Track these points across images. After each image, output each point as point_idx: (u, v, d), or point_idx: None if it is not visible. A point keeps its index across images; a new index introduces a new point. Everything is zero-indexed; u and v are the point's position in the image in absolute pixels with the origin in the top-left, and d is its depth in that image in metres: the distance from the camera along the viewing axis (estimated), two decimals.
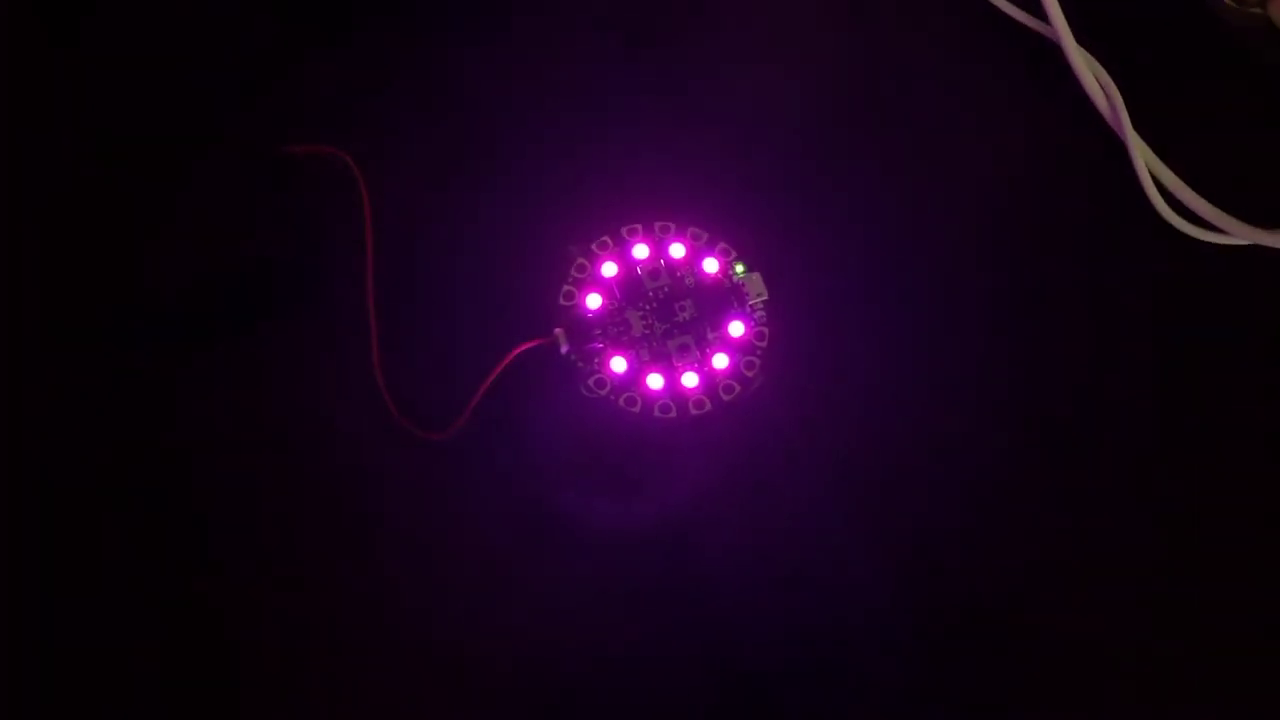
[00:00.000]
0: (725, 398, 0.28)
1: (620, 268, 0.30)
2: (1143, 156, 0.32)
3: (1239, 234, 0.31)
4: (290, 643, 0.27)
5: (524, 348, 0.28)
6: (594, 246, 0.30)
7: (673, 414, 0.28)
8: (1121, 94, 0.33)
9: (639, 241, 0.30)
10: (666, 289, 0.29)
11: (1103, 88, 0.33)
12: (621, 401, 0.28)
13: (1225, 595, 0.28)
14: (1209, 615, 0.28)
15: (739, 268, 0.30)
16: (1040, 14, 0.33)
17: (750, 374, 0.29)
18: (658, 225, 0.30)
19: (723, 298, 0.29)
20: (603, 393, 0.28)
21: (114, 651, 0.27)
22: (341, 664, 0.27)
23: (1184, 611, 0.28)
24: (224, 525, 0.28)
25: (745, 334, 0.29)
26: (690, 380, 0.28)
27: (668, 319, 0.29)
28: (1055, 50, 0.33)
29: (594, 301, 0.29)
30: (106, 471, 0.28)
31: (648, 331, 0.29)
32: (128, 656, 0.27)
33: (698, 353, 0.29)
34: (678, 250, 0.30)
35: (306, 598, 0.27)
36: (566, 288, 0.29)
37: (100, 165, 0.31)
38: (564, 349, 0.28)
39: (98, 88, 0.33)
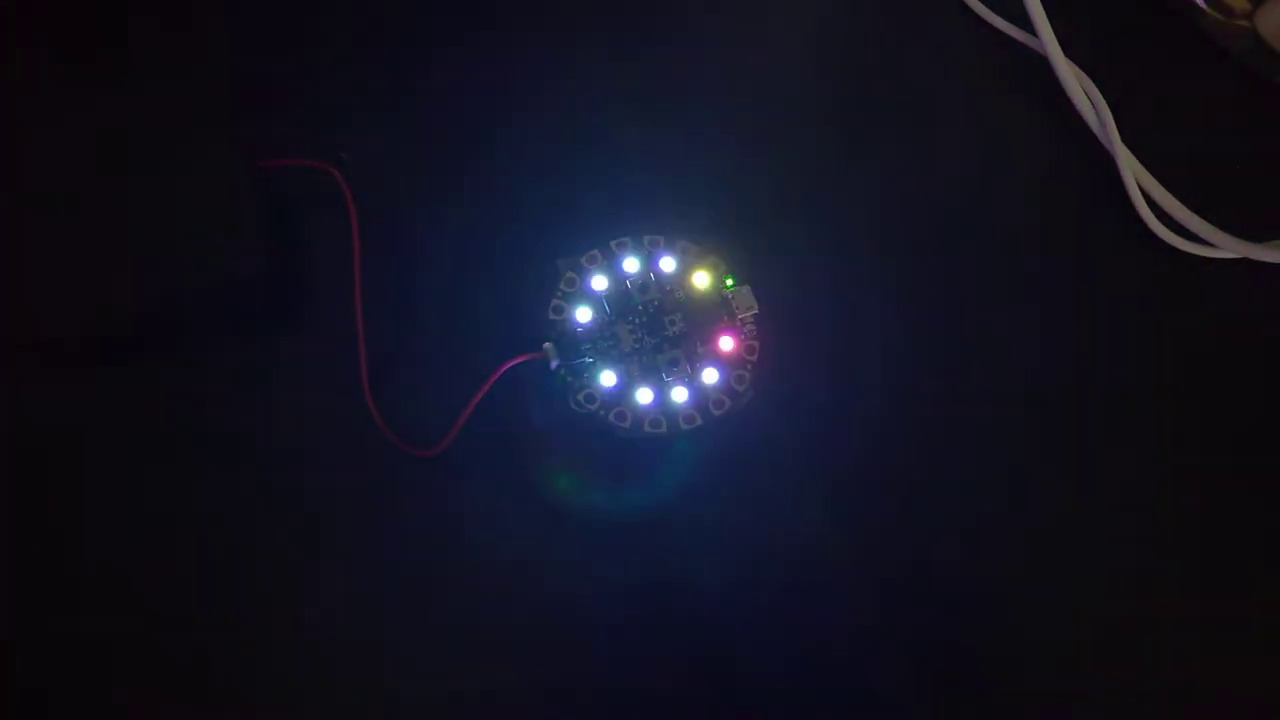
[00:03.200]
0: (716, 412, 0.28)
1: (610, 281, 0.29)
2: (1131, 169, 0.32)
3: (1227, 247, 0.31)
4: (280, 655, 0.27)
5: (513, 362, 0.28)
6: (583, 260, 0.30)
7: (663, 429, 0.28)
8: (1109, 107, 0.33)
9: (628, 255, 0.30)
10: (656, 303, 0.29)
11: (1090, 101, 0.33)
12: (611, 416, 0.28)
13: (1220, 604, 0.28)
14: (1202, 628, 0.28)
15: (729, 281, 0.30)
16: (1028, 28, 0.33)
17: (740, 388, 0.29)
18: (647, 238, 0.30)
19: (713, 311, 0.29)
20: (592, 407, 0.28)
21: (101, 662, 0.27)
22: (332, 675, 0.27)
23: (1174, 625, 0.28)
24: (213, 541, 0.28)
25: (735, 348, 0.29)
26: (680, 394, 0.28)
27: (658, 333, 0.29)
28: (1043, 64, 0.33)
29: (584, 315, 0.29)
30: (95, 486, 0.28)
31: (638, 346, 0.29)
32: (117, 666, 0.26)
33: (688, 367, 0.29)
34: (667, 264, 0.30)
35: (294, 611, 0.27)
36: (556, 302, 0.29)
37: (82, 178, 0.31)
38: (554, 363, 0.28)
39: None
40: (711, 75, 0.34)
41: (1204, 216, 0.32)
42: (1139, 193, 0.32)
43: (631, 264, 0.30)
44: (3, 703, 0.26)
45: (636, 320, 0.29)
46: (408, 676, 0.27)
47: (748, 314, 0.29)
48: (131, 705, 0.26)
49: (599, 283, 0.29)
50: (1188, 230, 0.32)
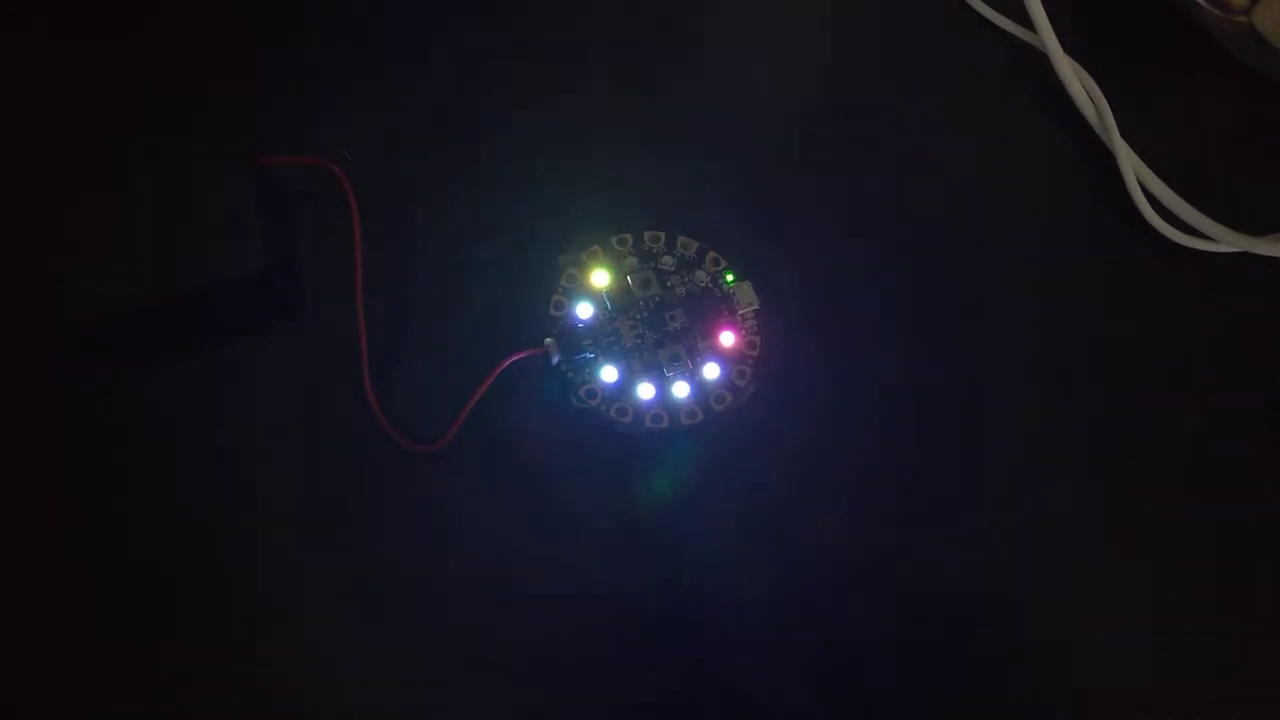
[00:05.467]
0: (717, 407, 0.28)
1: (610, 277, 0.29)
2: (1131, 165, 0.32)
3: (1228, 241, 0.31)
4: (281, 653, 0.27)
5: (515, 358, 0.28)
6: (584, 256, 0.30)
7: (664, 424, 0.28)
8: (1108, 102, 0.33)
9: (629, 251, 0.30)
10: (657, 298, 0.29)
11: (1090, 97, 0.33)
12: (613, 412, 0.28)
13: (1218, 606, 0.28)
14: (1198, 630, 0.28)
15: (729, 277, 0.30)
16: (1027, 23, 0.33)
17: (742, 383, 0.29)
18: (648, 234, 0.30)
19: (713, 307, 0.29)
20: (594, 403, 0.28)
21: (101, 661, 0.27)
22: (335, 673, 0.27)
23: (1177, 627, 0.28)
24: (214, 537, 0.28)
25: (736, 343, 0.29)
26: (681, 390, 0.28)
27: (659, 328, 0.29)
28: (1043, 59, 0.34)
29: (585, 311, 0.29)
30: (96, 485, 0.28)
31: (639, 341, 0.29)
32: (116, 664, 0.27)
33: (689, 362, 0.29)
34: (668, 260, 0.30)
35: (298, 606, 0.27)
36: (557, 297, 0.29)
37: (83, 177, 0.31)
38: (555, 359, 0.28)
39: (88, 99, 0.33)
40: (712, 72, 0.34)
41: (1204, 211, 0.32)
42: (1139, 188, 0.32)
43: (632, 260, 0.30)
44: (6, 698, 0.26)
45: (637, 316, 0.29)
46: (408, 673, 0.27)
47: (748, 309, 0.29)
48: (130, 703, 0.26)
49: (600, 278, 0.29)
50: (1188, 225, 0.32)
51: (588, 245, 0.30)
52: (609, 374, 0.28)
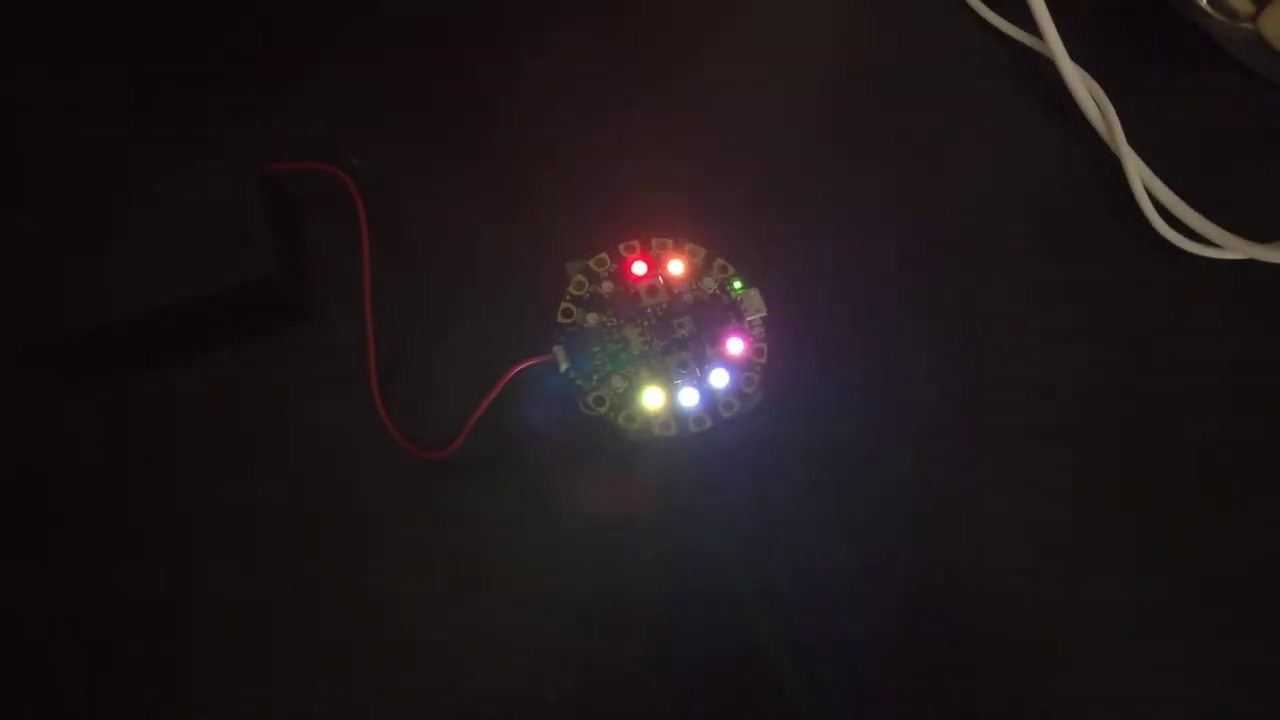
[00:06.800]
0: (725, 415, 0.28)
1: (618, 285, 0.29)
2: (1137, 172, 0.32)
3: (1234, 248, 0.31)
4: (285, 656, 0.27)
5: (523, 365, 0.28)
6: (592, 263, 0.30)
7: (672, 431, 0.28)
8: (1115, 109, 0.33)
9: (637, 258, 0.30)
10: (665, 306, 0.29)
11: (1097, 103, 0.33)
12: (620, 419, 0.28)
13: (1224, 614, 0.28)
14: (1200, 637, 0.28)
15: (737, 284, 0.30)
16: (1034, 30, 0.33)
17: (749, 390, 0.29)
18: (655, 242, 0.30)
19: (721, 314, 0.29)
20: (601, 410, 0.28)
21: (100, 666, 0.27)
22: (338, 675, 0.27)
23: (1166, 632, 0.28)
24: (220, 539, 0.28)
25: (744, 350, 0.29)
26: (689, 397, 0.28)
27: (666, 336, 0.29)
28: (1049, 66, 0.34)
29: (592, 319, 0.29)
30: (103, 488, 0.28)
31: (646, 349, 0.29)
32: (116, 670, 0.26)
33: (697, 370, 0.29)
34: (676, 267, 0.30)
35: (303, 609, 0.27)
36: (565, 305, 0.29)
37: (91, 183, 0.31)
38: (563, 366, 0.28)
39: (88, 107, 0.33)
40: (718, 78, 0.34)
41: (1210, 218, 0.32)
42: (1145, 195, 0.32)
43: (640, 267, 0.30)
44: (19, 705, 0.26)
45: (645, 323, 0.29)
46: (414, 677, 0.27)
47: (756, 316, 0.29)
48: (130, 703, 0.26)
49: (607, 286, 0.29)
50: (1194, 232, 0.32)
51: (595, 253, 0.30)
52: (617, 381, 0.28)
